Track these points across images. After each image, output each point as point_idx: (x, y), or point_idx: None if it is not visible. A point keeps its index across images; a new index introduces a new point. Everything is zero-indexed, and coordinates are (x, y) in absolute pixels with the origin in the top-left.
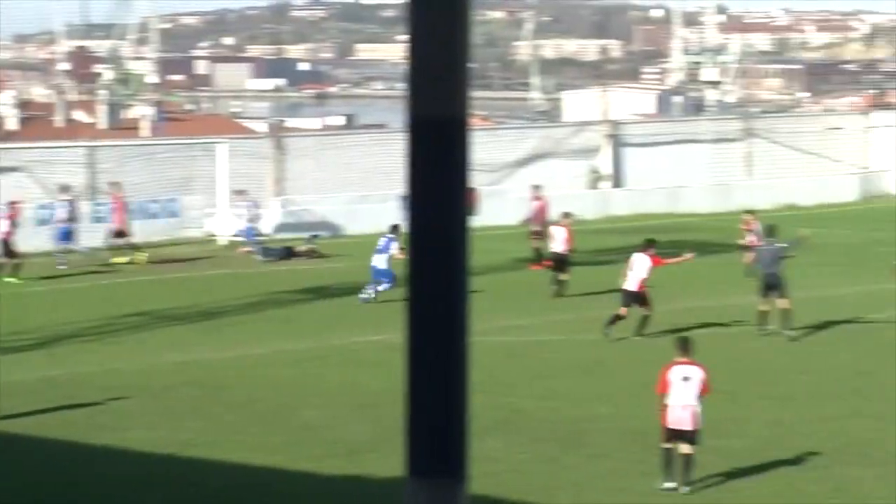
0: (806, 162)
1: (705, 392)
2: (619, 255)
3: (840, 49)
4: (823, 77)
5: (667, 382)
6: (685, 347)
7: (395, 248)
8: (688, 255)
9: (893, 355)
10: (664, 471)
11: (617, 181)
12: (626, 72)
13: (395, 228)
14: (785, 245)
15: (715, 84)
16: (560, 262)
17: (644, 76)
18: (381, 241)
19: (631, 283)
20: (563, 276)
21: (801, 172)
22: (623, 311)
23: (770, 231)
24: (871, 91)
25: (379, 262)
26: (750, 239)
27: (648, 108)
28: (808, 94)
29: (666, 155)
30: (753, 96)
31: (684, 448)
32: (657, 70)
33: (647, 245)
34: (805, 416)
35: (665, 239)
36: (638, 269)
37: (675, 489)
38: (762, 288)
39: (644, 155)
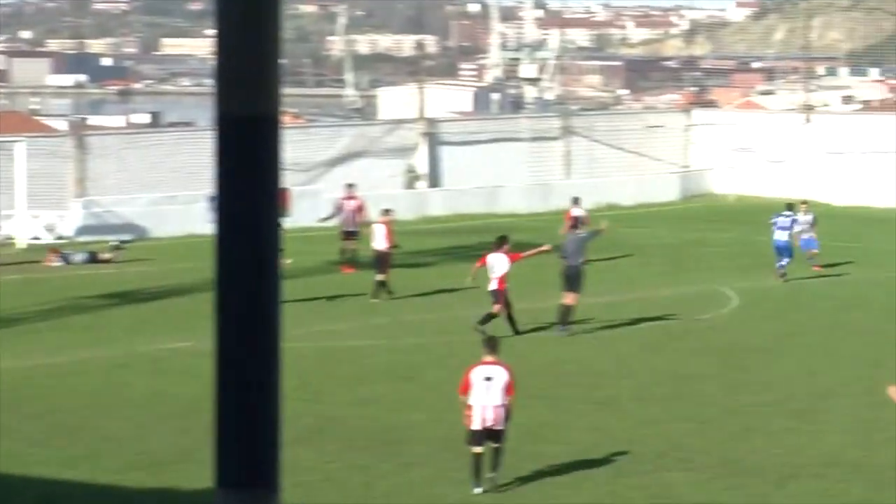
0: (626, 161)
1: (510, 393)
2: (437, 258)
3: (660, 45)
4: (643, 74)
5: (468, 383)
6: (491, 347)
7: (797, 226)
8: (544, 247)
9: (715, 358)
10: (473, 476)
11: (434, 181)
12: (443, 68)
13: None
14: (585, 235)
15: (533, 81)
16: (380, 261)
17: (461, 73)
18: (783, 220)
19: (493, 283)
20: (380, 277)
21: (621, 171)
22: (497, 308)
23: (576, 223)
24: (691, 88)
25: (782, 237)
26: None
27: (466, 105)
28: (627, 92)
29: (484, 154)
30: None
31: (492, 444)
32: (474, 66)
33: (501, 243)
34: (626, 420)
35: (483, 240)
36: (498, 269)
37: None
38: (563, 281)
39: (461, 154)
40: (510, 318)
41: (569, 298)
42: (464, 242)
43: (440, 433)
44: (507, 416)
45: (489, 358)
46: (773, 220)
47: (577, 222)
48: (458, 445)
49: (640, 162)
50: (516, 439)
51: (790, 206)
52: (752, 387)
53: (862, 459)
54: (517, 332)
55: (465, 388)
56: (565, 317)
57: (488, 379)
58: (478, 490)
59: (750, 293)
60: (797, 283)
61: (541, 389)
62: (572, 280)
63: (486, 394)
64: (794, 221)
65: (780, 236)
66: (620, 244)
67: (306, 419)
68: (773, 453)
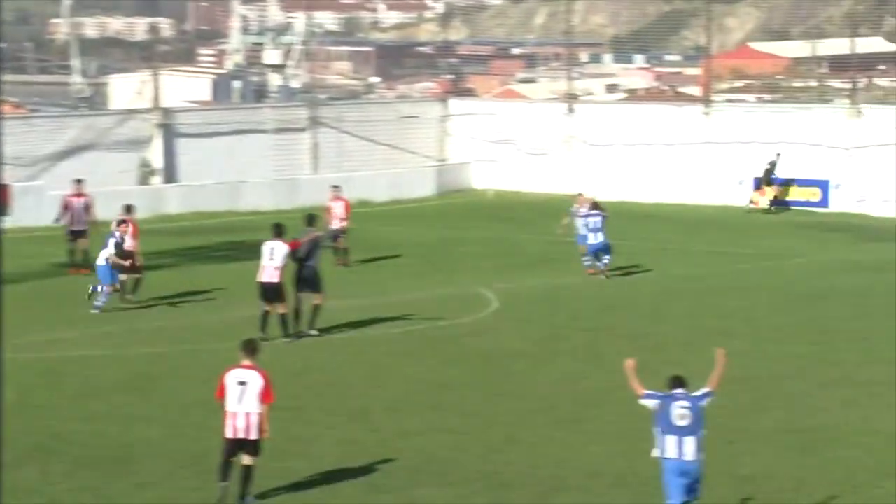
0: (379, 154)
1: (266, 400)
2: (174, 259)
3: (414, 30)
4: (396, 60)
5: (224, 387)
6: (249, 350)
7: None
8: (320, 234)
9: (475, 365)
10: (220, 477)
11: (170, 176)
12: (179, 54)
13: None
14: (322, 233)
15: (278, 67)
16: (127, 261)
17: (199, 59)
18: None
19: (269, 274)
20: (132, 277)
21: (373, 165)
22: (267, 307)
23: (310, 220)
24: (447, 76)
25: (596, 238)
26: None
27: (204, 94)
28: (380, 79)
29: (224, 146)
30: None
31: (245, 459)
32: (214, 52)
33: (278, 231)
34: (380, 433)
35: (225, 240)
36: (277, 258)
37: None
38: (294, 282)
39: (200, 146)
40: (283, 317)
41: (316, 299)
42: (203, 242)
43: (177, 449)
44: (262, 427)
45: (246, 361)
46: (581, 216)
47: (311, 220)
48: (199, 461)
49: (394, 155)
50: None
51: (596, 206)
52: (514, 395)
53: (626, 470)
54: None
55: (221, 393)
56: (313, 320)
57: (242, 384)
58: (223, 483)
59: (510, 295)
60: (561, 284)
61: (287, 400)
62: (309, 281)
63: (239, 400)
64: (604, 219)
65: (594, 239)
66: (373, 243)
67: (29, 438)
68: (537, 465)
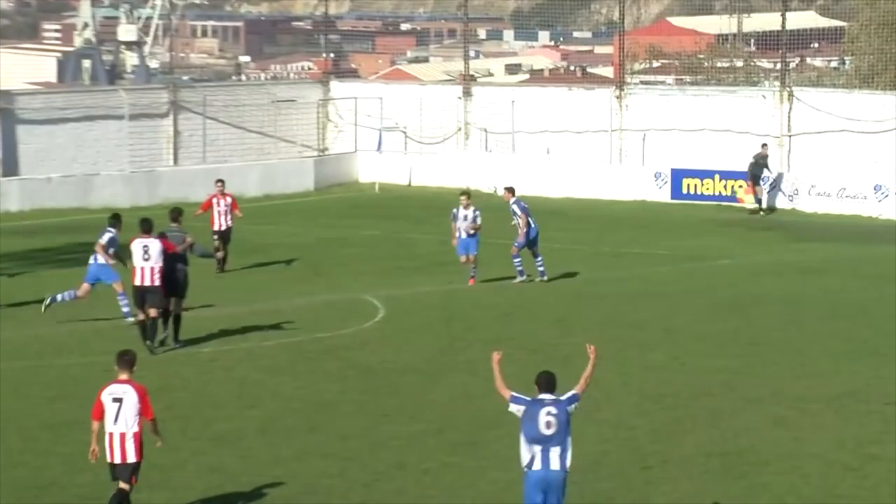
0: (250, 143)
1: (147, 416)
2: (13, 263)
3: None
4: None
5: (100, 406)
6: (123, 362)
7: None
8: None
9: (358, 381)
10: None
11: (9, 168)
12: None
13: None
14: (197, 245)
15: (134, 45)
16: None
17: (43, 34)
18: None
19: (147, 276)
20: None
21: (244, 156)
22: (143, 314)
23: (175, 215)
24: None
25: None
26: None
27: (49, 74)
28: (250, 59)
29: (72, 134)
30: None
31: (120, 483)
32: (60, 27)
33: (147, 227)
34: (251, 459)
35: (74, 241)
36: (153, 258)
37: None
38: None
39: (44, 134)
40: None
41: (179, 307)
42: (48, 244)
43: (18, 479)
44: (138, 449)
45: (122, 375)
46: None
47: (179, 215)
48: (42, 494)
49: (267, 144)
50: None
51: (464, 193)
52: (403, 415)
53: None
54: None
55: (98, 413)
56: (176, 331)
57: (117, 401)
58: None
59: (398, 302)
60: (455, 290)
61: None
62: (180, 285)
63: (115, 420)
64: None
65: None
66: (244, 245)
67: None
68: (427, 494)
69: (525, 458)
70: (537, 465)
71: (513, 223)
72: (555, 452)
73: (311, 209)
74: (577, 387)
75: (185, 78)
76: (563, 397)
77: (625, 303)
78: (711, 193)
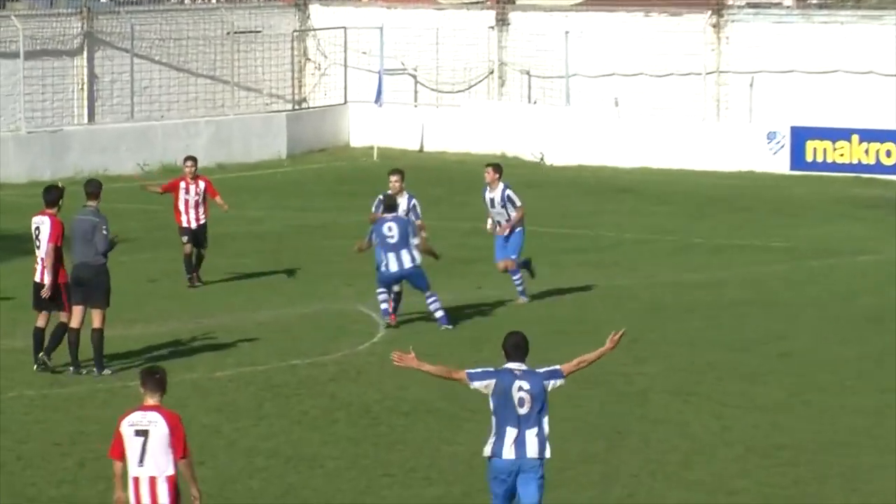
0: (199, 93)
1: (179, 456)
2: None
3: None
4: None
5: (121, 441)
6: (151, 381)
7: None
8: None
9: (347, 427)
10: None
11: None
12: None
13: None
14: (97, 218)
15: None
16: None
17: None
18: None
19: (38, 269)
20: None
21: (189, 111)
22: (66, 314)
23: (92, 189)
24: None
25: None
26: None
27: None
28: None
29: None
30: None
31: None
32: None
33: (50, 197)
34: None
35: None
36: (43, 246)
37: None
38: (73, 290)
39: None
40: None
41: (95, 318)
42: None
43: None
44: (174, 499)
45: (150, 400)
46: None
47: (98, 189)
48: None
49: (222, 94)
50: None
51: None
52: (413, 474)
53: None
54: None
55: (118, 450)
56: (96, 352)
57: (141, 434)
58: None
59: (405, 315)
60: (481, 298)
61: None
62: (90, 287)
63: (140, 460)
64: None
65: (394, 263)
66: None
67: None
68: None
69: (490, 443)
70: (509, 453)
71: (488, 224)
72: (531, 435)
73: (283, 185)
74: (565, 364)
75: (104, 0)
76: (541, 370)
77: (723, 316)
78: (847, 162)
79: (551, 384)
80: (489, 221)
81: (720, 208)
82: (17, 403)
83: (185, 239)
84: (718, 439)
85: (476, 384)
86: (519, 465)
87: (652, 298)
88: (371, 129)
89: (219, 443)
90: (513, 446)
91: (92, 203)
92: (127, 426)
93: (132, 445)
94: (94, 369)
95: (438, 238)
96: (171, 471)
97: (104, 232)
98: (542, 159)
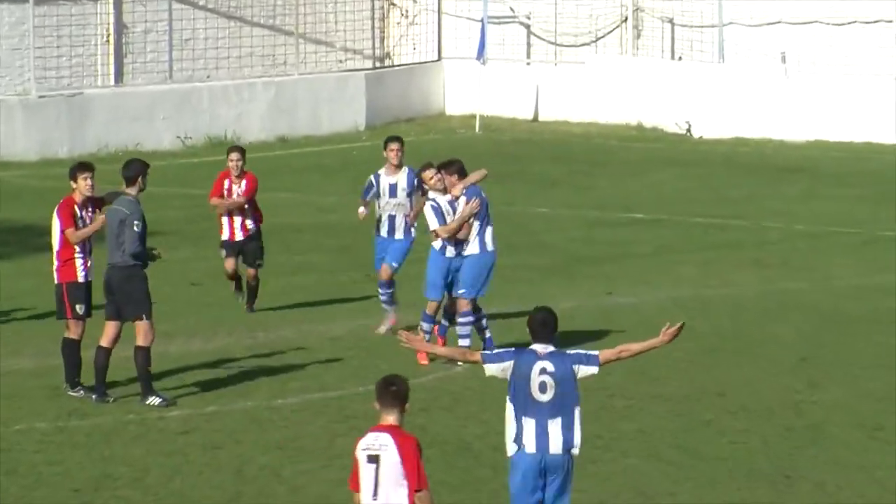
0: (252, 48)
1: (414, 485)
2: None
3: None
4: None
5: (356, 467)
6: (390, 398)
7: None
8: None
9: (444, 468)
10: None
11: None
12: None
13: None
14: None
15: None
16: None
17: None
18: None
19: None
20: None
21: (241, 70)
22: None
23: (132, 173)
24: None
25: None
26: None
27: None
28: None
29: None
30: None
31: None
32: None
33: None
34: None
35: None
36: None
37: None
38: (106, 297)
39: None
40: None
41: (136, 334)
42: None
43: None
44: None
45: (388, 418)
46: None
47: (137, 173)
48: None
49: (284, 48)
50: None
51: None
52: None
53: None
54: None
55: (354, 480)
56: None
57: (373, 461)
58: None
59: (512, 325)
60: (611, 305)
61: None
62: (120, 296)
63: (374, 493)
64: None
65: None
66: None
67: None
68: None
69: (511, 436)
70: (530, 447)
71: (361, 211)
72: (555, 427)
73: (361, 164)
74: (604, 350)
75: None
76: (571, 351)
77: None
78: None
79: (581, 370)
80: (362, 209)
81: None
82: (26, 439)
83: (223, 253)
84: None
85: (491, 368)
86: (544, 463)
87: (830, 307)
88: (472, 92)
89: (279, 489)
90: (533, 439)
91: (130, 190)
92: (361, 450)
93: (365, 474)
94: (148, 397)
95: (555, 231)
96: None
97: (135, 228)
98: (688, 130)
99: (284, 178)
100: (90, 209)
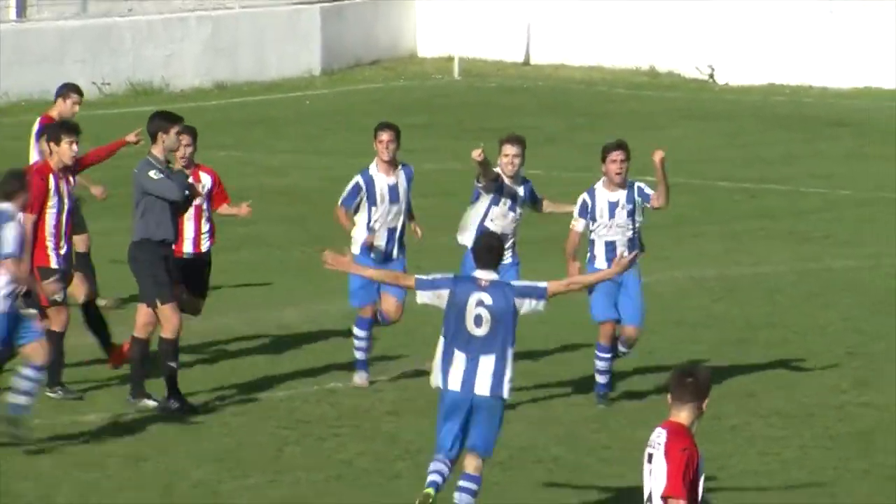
0: None
1: (664, 492)
2: None
3: None
4: None
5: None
6: (683, 388)
7: None
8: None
9: None
10: None
11: None
12: None
13: None
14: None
15: None
16: None
17: None
18: None
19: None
20: None
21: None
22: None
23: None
24: None
25: None
26: None
27: None
28: None
29: None
30: None
31: None
32: None
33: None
34: None
35: None
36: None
37: None
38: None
39: None
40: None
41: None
42: None
43: None
44: None
45: (677, 413)
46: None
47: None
48: None
49: None
50: None
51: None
52: None
53: None
54: None
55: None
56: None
57: (649, 460)
58: None
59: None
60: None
61: None
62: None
63: (648, 497)
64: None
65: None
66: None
67: None
68: None
69: (438, 369)
70: (455, 384)
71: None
72: (485, 366)
73: (316, 117)
74: (553, 282)
75: None
76: (515, 283)
77: None
78: None
79: (525, 304)
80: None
81: None
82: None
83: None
84: None
85: (425, 295)
86: (469, 402)
87: (881, 288)
88: (449, 30)
89: None
90: (461, 376)
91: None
92: (647, 446)
93: (645, 474)
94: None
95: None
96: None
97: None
98: (711, 76)
99: (223, 132)
100: (70, 179)
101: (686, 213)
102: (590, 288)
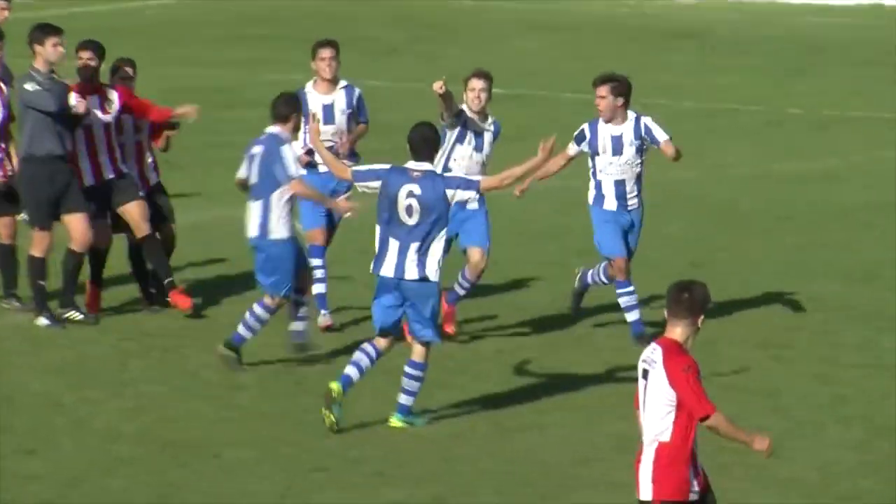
0: None
1: (698, 416)
2: None
3: None
4: None
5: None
6: (675, 308)
7: None
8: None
9: None
10: None
11: None
12: None
13: None
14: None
15: None
16: None
17: None
18: None
19: None
20: None
21: None
22: None
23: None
24: None
25: None
26: None
27: None
28: None
29: None
30: None
31: None
32: None
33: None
34: None
35: None
36: None
37: None
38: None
39: None
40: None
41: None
42: None
43: None
44: (662, 478)
45: (675, 330)
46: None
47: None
48: None
49: None
50: None
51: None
52: None
53: None
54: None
55: (636, 398)
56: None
57: (643, 376)
58: None
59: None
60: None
61: None
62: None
63: (641, 407)
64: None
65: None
66: None
67: None
68: None
69: (375, 256)
70: (388, 270)
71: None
72: (413, 253)
73: (157, 28)
74: (486, 178)
75: None
76: (446, 174)
77: (834, 228)
78: None
79: (457, 194)
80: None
81: (831, 61)
82: None
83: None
84: None
85: (361, 185)
86: (400, 287)
87: (725, 200)
88: None
89: (59, 421)
90: (393, 262)
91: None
92: (640, 360)
93: (640, 390)
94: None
95: (395, 109)
96: (666, 436)
97: None
98: None
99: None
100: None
101: (528, 123)
102: (596, 227)
